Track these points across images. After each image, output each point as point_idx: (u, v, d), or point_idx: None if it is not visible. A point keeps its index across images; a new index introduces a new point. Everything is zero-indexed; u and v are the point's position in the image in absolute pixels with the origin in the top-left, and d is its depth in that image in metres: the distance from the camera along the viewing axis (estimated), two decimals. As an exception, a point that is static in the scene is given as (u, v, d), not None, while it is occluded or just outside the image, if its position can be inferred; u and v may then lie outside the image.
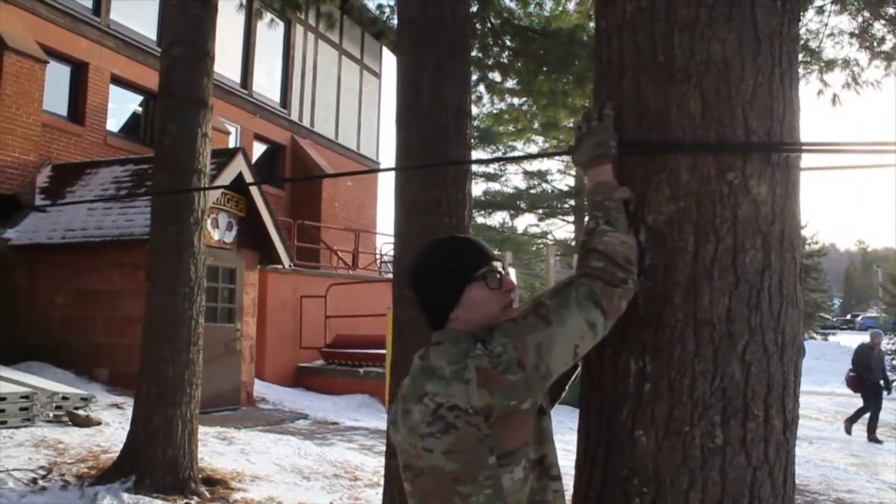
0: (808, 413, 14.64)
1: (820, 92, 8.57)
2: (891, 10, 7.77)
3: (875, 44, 8.11)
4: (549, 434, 1.62)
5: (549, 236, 29.05)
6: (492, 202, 27.18)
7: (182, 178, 5.81)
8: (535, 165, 27.83)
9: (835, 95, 8.59)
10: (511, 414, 1.49)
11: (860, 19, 8.02)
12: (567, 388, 1.87)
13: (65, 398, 7.69)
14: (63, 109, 12.11)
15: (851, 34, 8.16)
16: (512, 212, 28.50)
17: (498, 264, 1.69)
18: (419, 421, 1.55)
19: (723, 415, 1.63)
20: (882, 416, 12.62)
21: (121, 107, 13.51)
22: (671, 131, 1.71)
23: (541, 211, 28.35)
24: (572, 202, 26.56)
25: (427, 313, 1.70)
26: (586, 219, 1.75)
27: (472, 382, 1.48)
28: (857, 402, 13.06)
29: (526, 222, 38.47)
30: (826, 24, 8.12)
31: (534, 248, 29.04)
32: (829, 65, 8.40)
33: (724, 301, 1.65)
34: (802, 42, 7.95)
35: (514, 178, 30.17)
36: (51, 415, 7.42)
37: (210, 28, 6.09)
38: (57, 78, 11.71)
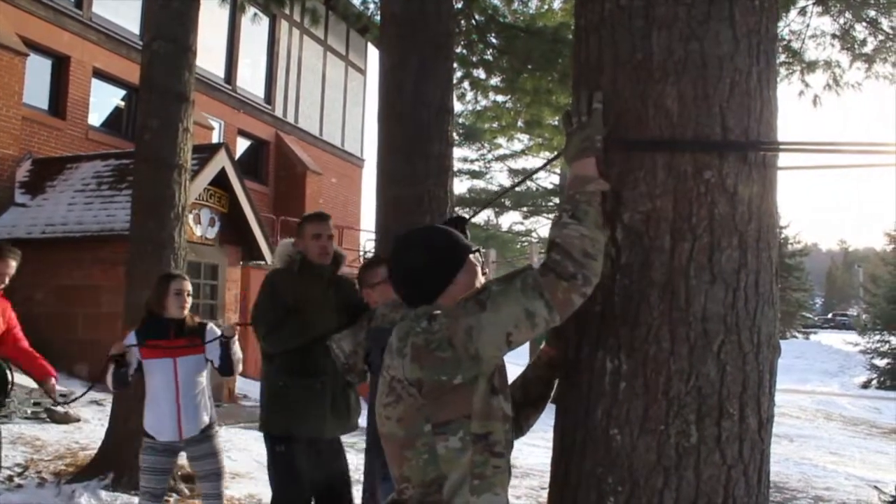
0: (788, 411, 14.76)
1: (801, 93, 8.64)
2: (871, 13, 7.83)
3: (856, 46, 8.17)
4: (500, 413, 1.62)
5: (534, 234, 29.09)
6: (477, 199, 27.18)
7: (163, 174, 5.75)
8: (519, 163, 27.82)
9: (816, 96, 8.66)
10: (446, 387, 1.57)
11: (842, 21, 8.08)
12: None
13: (43, 395, 7.60)
14: (44, 103, 11.96)
15: (833, 36, 8.22)
16: (497, 209, 28.53)
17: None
18: (381, 391, 1.68)
19: (698, 413, 1.63)
20: (860, 413, 12.73)
21: (103, 101, 13.37)
22: (648, 129, 1.71)
23: (525, 209, 28.39)
24: (557, 200, 26.56)
25: (422, 296, 1.73)
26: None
27: (407, 357, 1.60)
28: (838, 400, 13.16)
29: (510, 220, 38.60)
30: (808, 25, 8.18)
31: (518, 246, 29.10)
32: (811, 66, 8.46)
33: (700, 300, 1.65)
34: (785, 43, 8.01)
35: (500, 176, 30.24)
36: (28, 411, 7.34)
37: (192, 22, 6.03)
38: (38, 71, 11.55)
